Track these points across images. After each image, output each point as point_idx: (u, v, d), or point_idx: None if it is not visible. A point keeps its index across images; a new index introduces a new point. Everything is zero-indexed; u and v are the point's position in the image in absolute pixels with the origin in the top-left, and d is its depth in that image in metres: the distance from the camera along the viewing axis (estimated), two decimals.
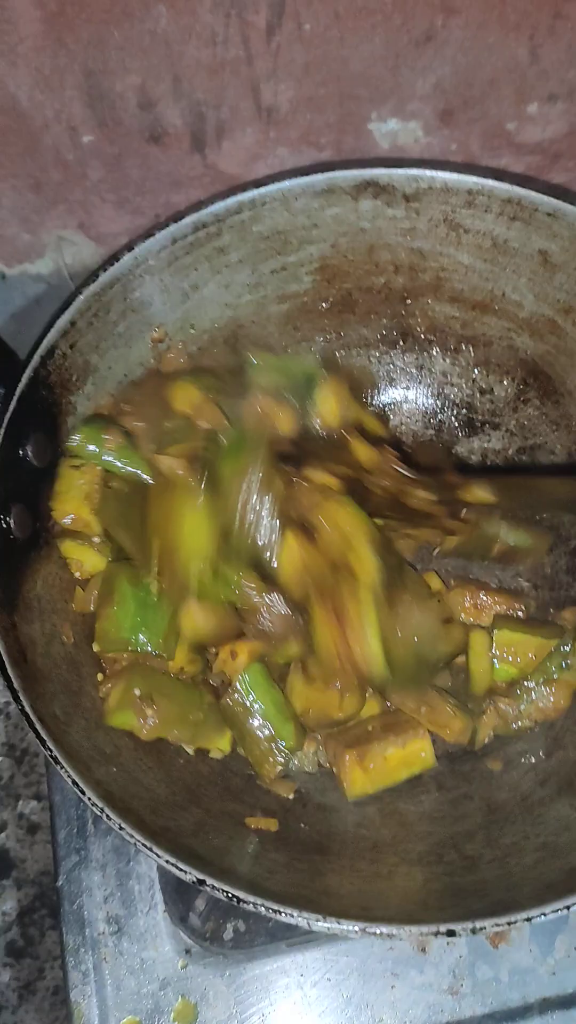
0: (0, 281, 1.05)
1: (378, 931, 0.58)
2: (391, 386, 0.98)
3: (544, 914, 0.59)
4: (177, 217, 0.80)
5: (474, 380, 0.96)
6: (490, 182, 0.80)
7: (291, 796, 0.79)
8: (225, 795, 0.76)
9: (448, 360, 0.95)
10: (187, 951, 0.81)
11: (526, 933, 0.82)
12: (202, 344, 0.89)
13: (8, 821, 1.04)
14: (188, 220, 0.79)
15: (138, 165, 0.92)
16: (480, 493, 0.79)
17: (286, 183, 0.80)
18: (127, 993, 0.80)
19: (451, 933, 0.58)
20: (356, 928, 0.58)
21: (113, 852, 0.85)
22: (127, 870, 0.84)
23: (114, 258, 0.78)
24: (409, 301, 0.92)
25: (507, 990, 0.81)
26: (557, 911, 0.59)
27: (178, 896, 0.84)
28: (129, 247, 0.78)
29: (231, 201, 0.80)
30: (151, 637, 0.75)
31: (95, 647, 0.77)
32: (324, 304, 0.92)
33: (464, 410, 0.97)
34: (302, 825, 0.76)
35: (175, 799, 0.71)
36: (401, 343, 0.96)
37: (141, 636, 0.75)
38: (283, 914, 0.58)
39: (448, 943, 0.81)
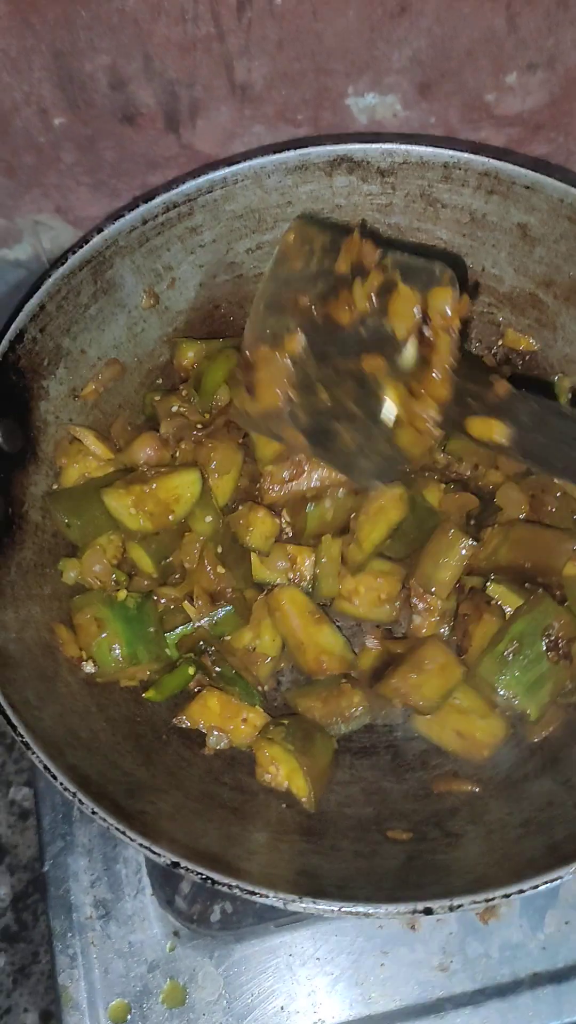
0: None
1: (355, 910, 0.58)
2: None
3: (522, 890, 0.59)
4: (147, 197, 0.79)
5: None
6: (466, 155, 0.79)
7: None
8: (207, 777, 0.76)
9: None
10: (175, 933, 0.82)
11: (516, 908, 0.82)
12: (177, 325, 0.88)
13: None
14: (158, 200, 0.78)
15: (112, 147, 0.91)
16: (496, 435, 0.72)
17: (257, 160, 0.80)
18: (115, 976, 0.80)
19: (428, 911, 0.58)
20: (333, 908, 0.58)
21: (99, 837, 0.85)
22: (113, 854, 0.84)
23: (84, 240, 0.77)
24: None
25: (497, 966, 0.80)
26: (536, 887, 0.59)
27: (164, 879, 0.84)
28: (99, 228, 0.78)
29: (201, 180, 0.79)
30: (146, 648, 0.77)
31: (98, 680, 0.77)
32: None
33: None
34: (284, 806, 0.75)
35: (154, 782, 0.71)
36: None
37: (138, 652, 0.77)
38: (257, 895, 0.57)
39: (437, 920, 0.81)
